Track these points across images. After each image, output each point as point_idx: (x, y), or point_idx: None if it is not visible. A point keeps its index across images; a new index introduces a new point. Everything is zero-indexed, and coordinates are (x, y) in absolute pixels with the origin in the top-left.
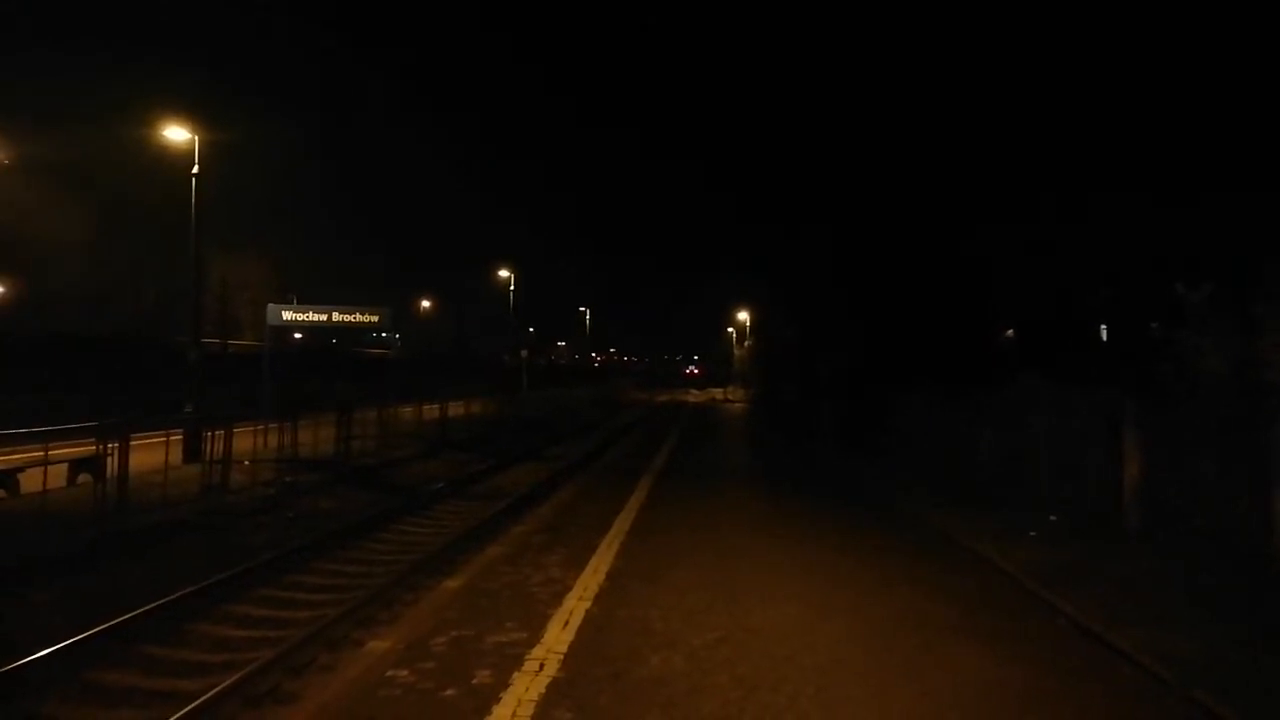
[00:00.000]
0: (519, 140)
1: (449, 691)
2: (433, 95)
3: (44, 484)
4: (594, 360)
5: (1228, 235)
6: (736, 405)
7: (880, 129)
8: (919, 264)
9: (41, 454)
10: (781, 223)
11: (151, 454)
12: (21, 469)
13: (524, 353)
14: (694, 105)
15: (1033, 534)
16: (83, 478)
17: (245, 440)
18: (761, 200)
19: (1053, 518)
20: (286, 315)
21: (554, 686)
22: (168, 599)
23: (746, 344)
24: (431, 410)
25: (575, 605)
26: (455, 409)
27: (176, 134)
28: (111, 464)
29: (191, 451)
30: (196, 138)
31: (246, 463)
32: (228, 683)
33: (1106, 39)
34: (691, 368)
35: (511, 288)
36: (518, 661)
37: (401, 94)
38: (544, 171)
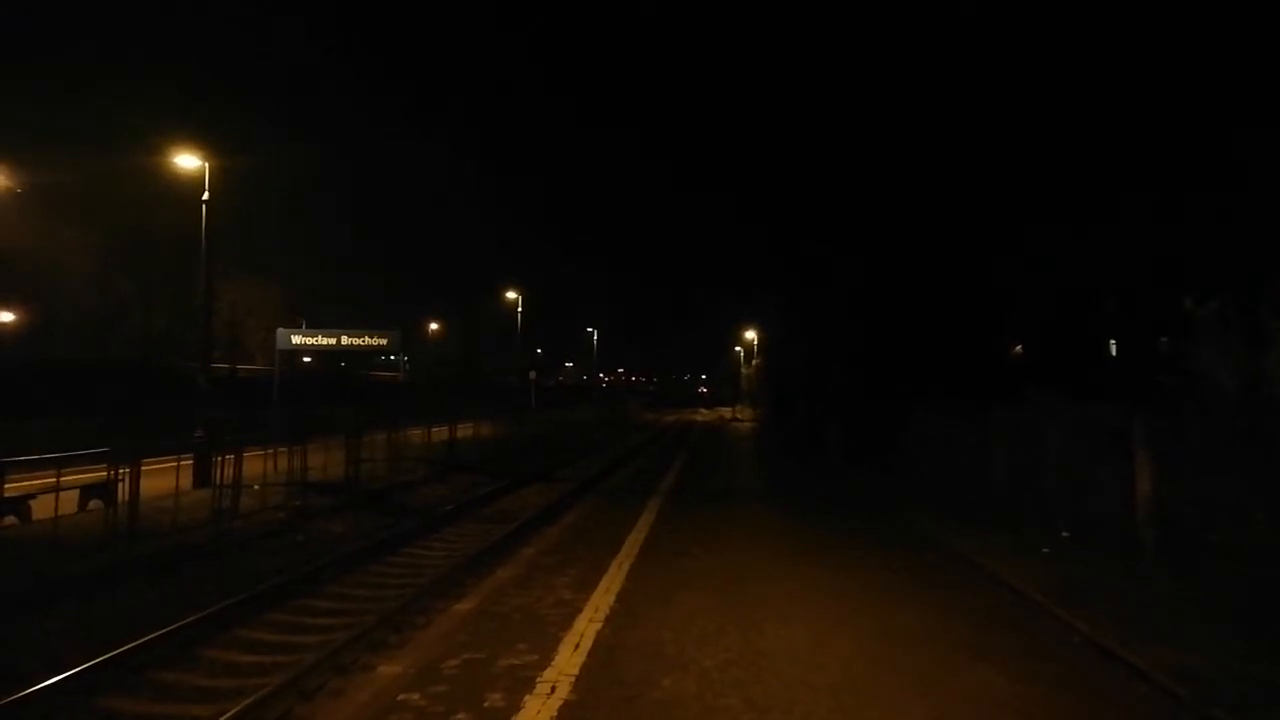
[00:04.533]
0: (527, 161)
1: (460, 715)
2: (440, 112)
3: (55, 510)
4: (602, 380)
5: (1235, 250)
6: (745, 424)
7: (888, 145)
8: (927, 278)
9: (53, 480)
10: (789, 239)
11: (162, 479)
12: (33, 495)
13: (532, 374)
14: (701, 123)
15: (1045, 550)
16: (94, 504)
17: (255, 464)
18: (769, 216)
19: (1065, 534)
20: (296, 339)
21: (566, 709)
22: (178, 624)
23: (754, 363)
24: (440, 432)
25: (586, 627)
26: (464, 430)
27: (187, 161)
28: (122, 489)
29: (202, 476)
30: (207, 164)
31: (256, 487)
32: (237, 709)
33: (1109, 59)
34: (702, 388)
35: (519, 309)
36: (529, 684)
37: (408, 108)
38: (550, 194)
